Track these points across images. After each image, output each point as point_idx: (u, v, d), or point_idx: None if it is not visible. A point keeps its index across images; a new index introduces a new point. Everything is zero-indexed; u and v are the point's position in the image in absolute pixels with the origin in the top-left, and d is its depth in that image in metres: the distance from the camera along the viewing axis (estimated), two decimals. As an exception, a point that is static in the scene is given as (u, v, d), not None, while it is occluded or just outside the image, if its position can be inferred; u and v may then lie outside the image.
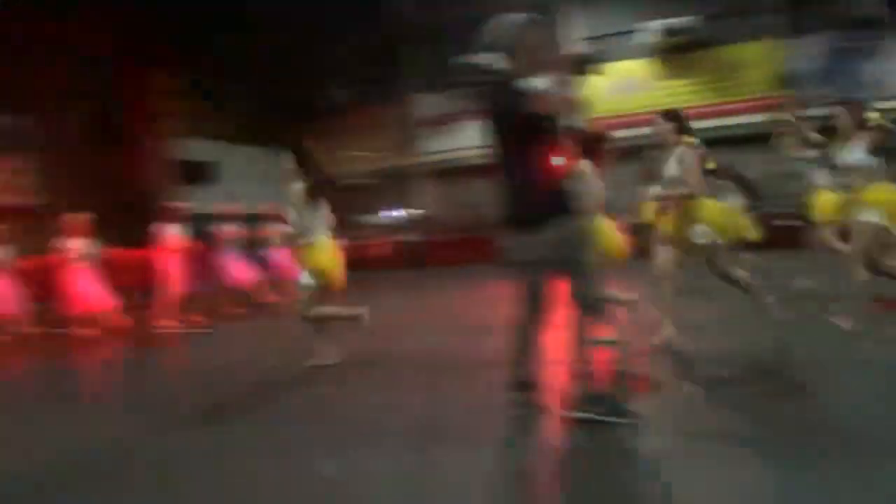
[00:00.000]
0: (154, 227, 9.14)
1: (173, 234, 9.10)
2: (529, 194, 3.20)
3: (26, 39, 16.00)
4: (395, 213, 21.33)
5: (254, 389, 4.67)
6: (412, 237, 18.96)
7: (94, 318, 8.58)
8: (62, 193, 17.76)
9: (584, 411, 3.18)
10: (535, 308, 3.34)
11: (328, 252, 5.04)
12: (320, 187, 5.03)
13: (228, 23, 20.10)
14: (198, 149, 19.37)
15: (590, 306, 3.24)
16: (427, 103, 20.88)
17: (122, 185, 18.53)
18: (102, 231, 9.14)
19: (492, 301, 9.41)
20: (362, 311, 5.06)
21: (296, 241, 5.04)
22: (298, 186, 5.00)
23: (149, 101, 18.89)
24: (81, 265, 8.43)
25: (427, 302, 10.53)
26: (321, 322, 5.01)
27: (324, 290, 4.96)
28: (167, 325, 8.70)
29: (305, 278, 4.90)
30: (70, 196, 17.81)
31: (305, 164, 5.12)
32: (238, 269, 10.04)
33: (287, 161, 5.17)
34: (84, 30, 16.58)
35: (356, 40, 21.04)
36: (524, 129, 3.18)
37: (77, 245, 8.48)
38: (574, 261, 3.19)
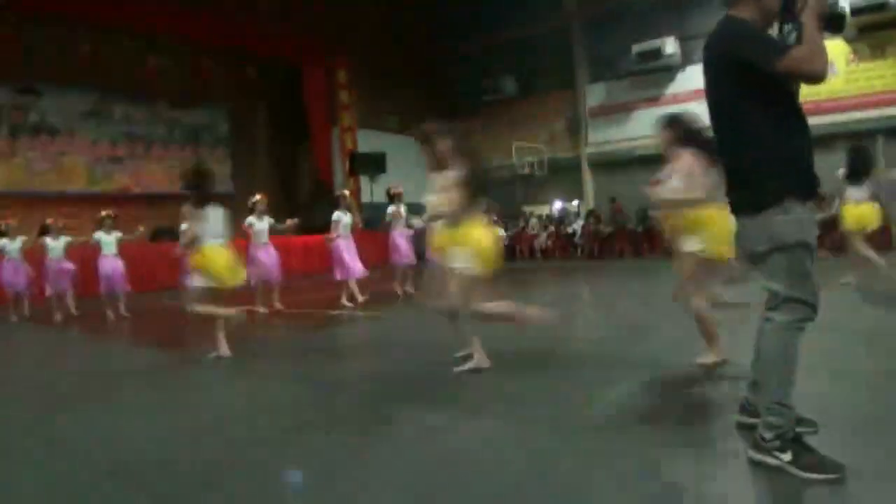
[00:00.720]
0: (330, 214, 9.53)
1: (345, 221, 9.42)
2: (767, 169, 2.54)
3: (215, 40, 17.33)
4: (560, 205, 20.98)
5: (429, 377, 4.66)
6: (578, 229, 18.59)
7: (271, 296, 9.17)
8: (250, 182, 19.19)
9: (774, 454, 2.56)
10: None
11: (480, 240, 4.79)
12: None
13: (400, 18, 20.68)
14: (370, 140, 20.06)
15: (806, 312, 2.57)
16: (597, 91, 20.32)
17: (303, 174, 19.63)
18: (283, 217, 9.73)
19: (657, 297, 8.95)
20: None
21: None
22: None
23: (326, 96, 19.80)
24: (267, 243, 9.04)
25: (590, 296, 10.19)
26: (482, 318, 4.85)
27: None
28: (341, 306, 9.06)
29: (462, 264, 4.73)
30: (256, 184, 19.22)
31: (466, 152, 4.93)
32: (407, 251, 10.23)
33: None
34: (268, 30, 17.68)
35: (524, 27, 20.89)
36: (774, 89, 2.53)
37: (259, 224, 9.04)
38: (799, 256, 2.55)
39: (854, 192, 7.81)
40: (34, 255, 10.25)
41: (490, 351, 4.65)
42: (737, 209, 2.69)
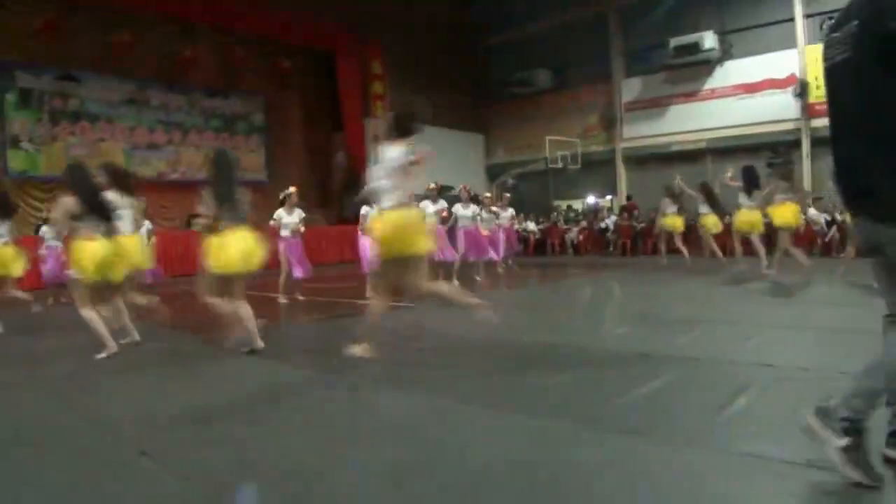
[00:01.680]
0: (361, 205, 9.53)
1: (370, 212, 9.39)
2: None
3: (251, 30, 17.53)
4: (594, 200, 20.81)
5: (460, 368, 4.64)
6: (610, 224, 18.42)
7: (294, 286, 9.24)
8: (284, 171, 19.37)
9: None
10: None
11: None
12: None
13: (434, 9, 20.64)
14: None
15: None
16: (633, 85, 20.09)
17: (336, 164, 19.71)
18: (319, 206, 9.80)
19: (691, 294, 8.83)
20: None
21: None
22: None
23: (360, 86, 19.87)
24: (291, 236, 8.98)
25: (622, 291, 10.02)
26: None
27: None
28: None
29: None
30: (290, 173, 19.39)
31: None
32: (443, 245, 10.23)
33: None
34: (303, 20, 17.81)
35: (560, 18, 20.72)
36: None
37: (288, 217, 9.03)
38: None
39: (745, 202, 10.11)
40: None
41: (518, 343, 4.63)
42: (875, 214, 2.33)
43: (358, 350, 4.79)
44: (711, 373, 4.22)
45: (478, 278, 10.89)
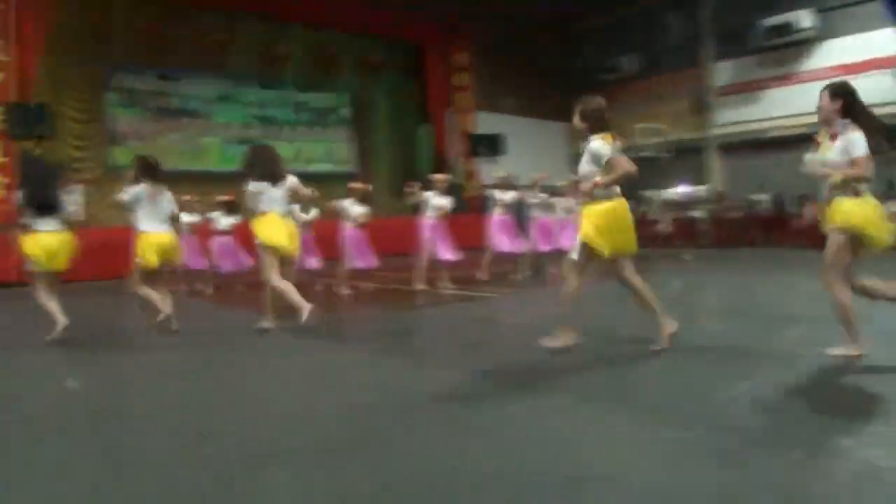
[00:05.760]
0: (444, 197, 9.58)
1: (434, 203, 9.45)
2: None
3: (340, 25, 17.91)
4: (684, 189, 20.22)
5: (536, 362, 4.65)
6: (703, 215, 17.84)
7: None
8: (373, 162, 19.71)
9: None
10: None
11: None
12: None
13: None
14: (489, 122, 20.10)
15: None
16: (725, 69, 19.41)
17: (423, 155, 19.88)
18: (401, 197, 9.93)
19: (786, 288, 8.51)
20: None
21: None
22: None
23: (446, 77, 19.97)
24: (357, 228, 9.15)
25: (715, 285, 9.72)
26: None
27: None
28: (436, 288, 9.15)
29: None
30: (378, 164, 19.71)
31: None
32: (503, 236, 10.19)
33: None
34: (390, 13, 18.03)
35: (647, 2, 20.24)
36: None
37: (355, 209, 9.17)
38: None
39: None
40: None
41: (608, 336, 4.59)
42: None
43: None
44: (816, 373, 4.07)
45: (551, 270, 10.75)
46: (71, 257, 6.14)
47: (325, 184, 11.04)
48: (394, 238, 12.06)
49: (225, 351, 5.57)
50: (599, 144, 4.63)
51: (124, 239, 7.29)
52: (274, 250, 5.97)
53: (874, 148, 3.93)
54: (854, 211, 3.97)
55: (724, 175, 19.50)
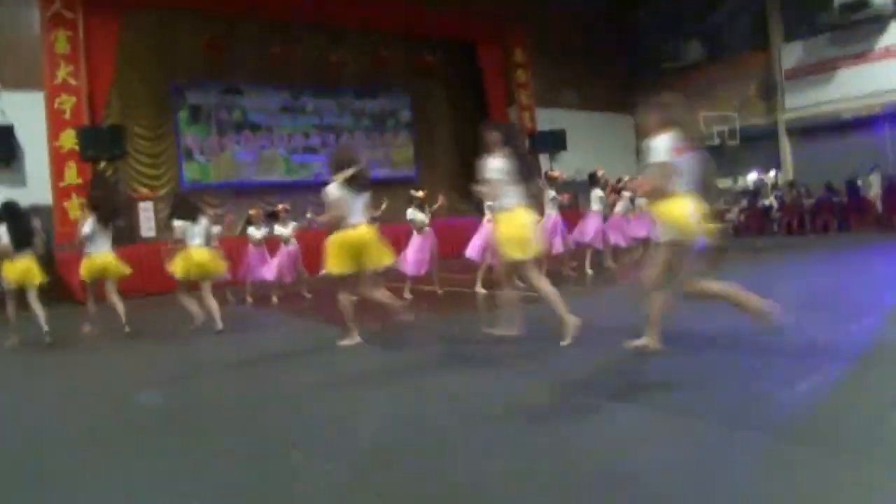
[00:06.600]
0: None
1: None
2: None
3: (394, 28, 18.00)
4: (756, 176, 19.55)
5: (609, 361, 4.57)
6: (775, 202, 17.20)
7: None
8: (432, 164, 19.75)
9: None
10: None
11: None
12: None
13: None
14: (549, 117, 19.87)
15: None
16: (794, 50, 18.66)
17: (483, 155, 19.81)
18: (464, 200, 9.95)
19: (863, 278, 8.11)
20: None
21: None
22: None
23: (503, 75, 19.83)
24: (417, 233, 9.27)
25: (785, 274, 9.36)
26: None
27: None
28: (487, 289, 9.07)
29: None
30: (438, 166, 19.73)
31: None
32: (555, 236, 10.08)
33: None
34: (444, 13, 18.03)
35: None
36: None
37: (415, 216, 9.29)
38: None
39: None
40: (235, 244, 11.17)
41: (671, 330, 4.50)
42: None
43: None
44: (886, 369, 3.84)
45: (611, 264, 10.72)
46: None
47: (384, 190, 11.12)
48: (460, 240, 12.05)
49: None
50: (656, 143, 4.53)
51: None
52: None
53: None
54: None
55: (796, 160, 18.76)
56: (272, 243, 10.59)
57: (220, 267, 7.62)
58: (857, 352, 4.22)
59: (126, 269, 7.93)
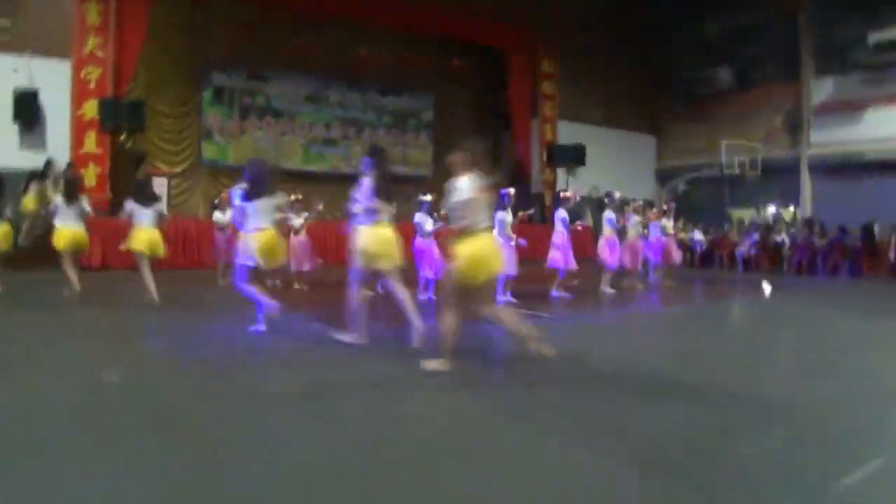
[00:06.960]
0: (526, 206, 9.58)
1: (506, 220, 9.35)
2: None
3: (423, 30, 18.03)
4: (772, 210, 19.31)
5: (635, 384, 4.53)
6: (787, 239, 16.80)
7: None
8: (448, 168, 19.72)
9: None
10: None
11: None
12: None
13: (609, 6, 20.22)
14: (571, 132, 19.81)
15: None
16: (825, 86, 18.42)
17: (503, 163, 19.81)
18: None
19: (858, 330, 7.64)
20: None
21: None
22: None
23: (530, 85, 19.79)
24: (425, 238, 9.32)
25: (800, 321, 8.58)
26: None
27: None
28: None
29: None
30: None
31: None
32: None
33: None
34: (474, 19, 18.05)
35: (746, 13, 19.51)
36: None
37: (423, 220, 9.38)
38: None
39: None
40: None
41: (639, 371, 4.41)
42: None
43: None
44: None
45: (607, 289, 10.47)
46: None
47: (397, 186, 11.12)
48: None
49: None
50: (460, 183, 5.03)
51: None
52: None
53: None
54: None
55: (816, 196, 18.54)
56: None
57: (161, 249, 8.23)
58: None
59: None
